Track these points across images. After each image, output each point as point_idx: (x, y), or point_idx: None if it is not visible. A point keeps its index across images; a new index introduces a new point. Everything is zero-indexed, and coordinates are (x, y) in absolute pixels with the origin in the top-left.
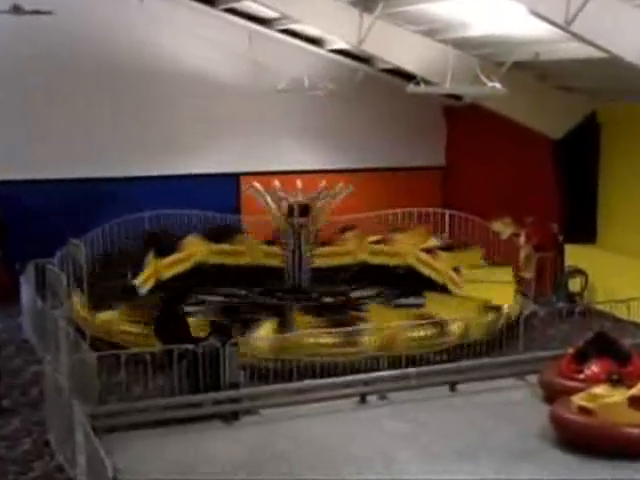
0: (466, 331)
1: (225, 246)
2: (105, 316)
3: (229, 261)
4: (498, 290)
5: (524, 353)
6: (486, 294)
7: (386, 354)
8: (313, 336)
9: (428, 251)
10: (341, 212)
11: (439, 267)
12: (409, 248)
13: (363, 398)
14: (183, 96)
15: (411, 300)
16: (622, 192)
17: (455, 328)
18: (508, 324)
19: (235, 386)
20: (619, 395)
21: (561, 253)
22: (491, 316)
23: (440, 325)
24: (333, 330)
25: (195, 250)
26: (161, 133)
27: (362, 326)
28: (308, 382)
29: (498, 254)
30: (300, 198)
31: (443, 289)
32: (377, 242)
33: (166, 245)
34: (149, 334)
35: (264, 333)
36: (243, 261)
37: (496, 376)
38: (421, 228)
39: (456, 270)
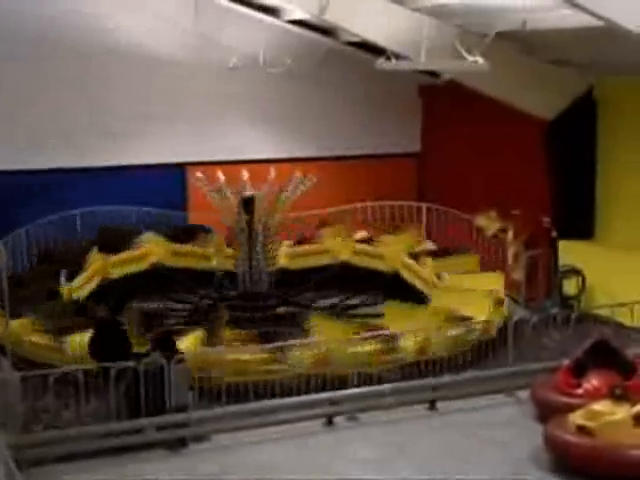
0: (424, 347)
1: (188, 247)
2: (15, 324)
3: (191, 264)
4: (475, 298)
5: (513, 365)
6: (458, 303)
7: (322, 372)
8: (234, 352)
9: (415, 256)
10: (302, 207)
11: (424, 274)
12: (396, 251)
13: (330, 420)
14: (119, 75)
15: (370, 310)
16: (623, 180)
17: (409, 343)
18: (487, 338)
19: (182, 409)
20: (623, 412)
21: (554, 250)
22: (458, 329)
23: (389, 340)
24: (255, 346)
25: (153, 249)
26: (92, 118)
27: (291, 341)
28: (266, 402)
29: (484, 254)
30: (249, 191)
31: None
32: (363, 241)
33: (120, 242)
34: (63, 347)
35: (186, 346)
36: (207, 265)
37: (481, 392)
38: (413, 229)
39: (438, 276)
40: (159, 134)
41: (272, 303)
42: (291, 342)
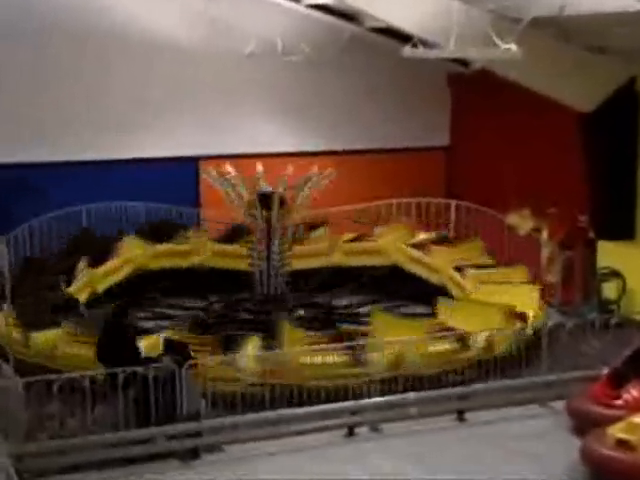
0: (491, 344)
1: (167, 247)
2: (44, 336)
3: (174, 264)
4: (518, 293)
5: (548, 374)
6: (505, 299)
7: (396, 374)
8: (311, 354)
9: (419, 246)
10: (319, 204)
11: (436, 265)
12: (394, 243)
13: (351, 430)
14: (127, 64)
15: (416, 309)
16: None
17: (479, 341)
18: (530, 338)
19: (195, 417)
20: None
21: (592, 252)
22: (518, 326)
23: (462, 338)
24: (335, 347)
25: (132, 254)
26: (100, 108)
27: (368, 341)
28: (283, 412)
29: (516, 254)
30: (265, 186)
31: (441, 292)
32: (354, 240)
33: (98, 250)
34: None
35: (250, 351)
36: (188, 264)
37: (513, 402)
38: (403, 220)
39: (460, 270)
40: (171, 126)
41: (305, 305)
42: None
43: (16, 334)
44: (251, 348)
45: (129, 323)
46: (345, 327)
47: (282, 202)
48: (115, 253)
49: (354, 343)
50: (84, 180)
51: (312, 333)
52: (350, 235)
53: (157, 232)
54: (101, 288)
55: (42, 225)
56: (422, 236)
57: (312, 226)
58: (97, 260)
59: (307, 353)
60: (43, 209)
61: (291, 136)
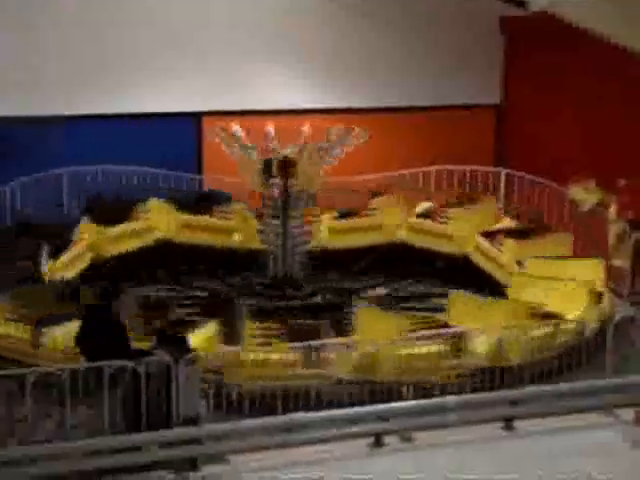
0: (499, 350)
1: (204, 219)
2: None
3: (207, 241)
4: (564, 291)
5: (613, 377)
6: (542, 296)
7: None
8: (256, 351)
9: (489, 235)
10: (348, 171)
11: (502, 260)
12: (466, 230)
13: (378, 440)
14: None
15: (430, 302)
16: None
17: (481, 345)
18: (580, 342)
19: (193, 421)
20: None
21: None
22: (543, 329)
23: (456, 340)
24: (286, 345)
25: (159, 222)
26: (87, 55)
27: (330, 339)
28: (298, 416)
29: (579, 235)
30: (281, 148)
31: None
32: (424, 216)
33: (117, 211)
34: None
35: (198, 340)
36: (228, 242)
37: (572, 409)
38: (489, 202)
39: (520, 263)
40: (169, 76)
41: (307, 291)
42: (330, 340)
43: None
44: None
45: (116, 308)
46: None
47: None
48: (135, 217)
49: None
50: (70, 138)
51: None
52: (422, 208)
53: (192, 203)
54: (110, 254)
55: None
56: (497, 224)
57: (373, 194)
58: (107, 222)
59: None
60: (18, 171)
61: (312, 90)
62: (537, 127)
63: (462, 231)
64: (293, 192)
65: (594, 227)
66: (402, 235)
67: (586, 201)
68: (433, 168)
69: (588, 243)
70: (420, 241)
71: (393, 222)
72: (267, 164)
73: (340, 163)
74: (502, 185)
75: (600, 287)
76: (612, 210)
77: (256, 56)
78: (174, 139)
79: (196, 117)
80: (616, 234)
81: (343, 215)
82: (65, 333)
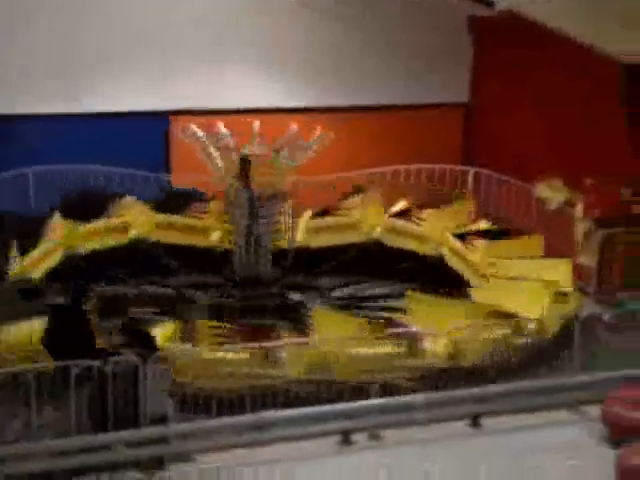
0: (458, 351)
1: (180, 218)
2: None
3: (182, 240)
4: (530, 291)
5: (580, 374)
6: (505, 296)
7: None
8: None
9: (461, 237)
10: (313, 171)
11: (473, 260)
12: (441, 230)
13: (346, 438)
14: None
15: (392, 302)
16: None
17: (436, 346)
18: (543, 342)
19: (160, 420)
20: None
21: (636, 230)
22: (500, 330)
23: (411, 341)
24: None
25: (134, 220)
26: (54, 54)
27: (284, 340)
28: (265, 415)
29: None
30: (259, 149)
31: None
32: (400, 214)
33: (91, 209)
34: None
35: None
36: (205, 241)
37: (538, 407)
38: (468, 201)
39: (492, 265)
40: (134, 72)
41: (272, 290)
42: (282, 340)
43: None
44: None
45: (84, 308)
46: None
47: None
48: (109, 215)
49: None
50: (37, 137)
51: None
52: (397, 206)
53: (167, 202)
54: (83, 250)
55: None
56: (479, 225)
57: (352, 192)
58: (79, 219)
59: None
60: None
61: (277, 89)
62: (505, 125)
63: (436, 231)
64: (259, 191)
65: (561, 225)
66: (378, 234)
67: (552, 199)
68: (402, 167)
69: (555, 241)
70: (394, 241)
71: (370, 221)
72: (244, 163)
73: (308, 162)
74: (470, 183)
75: (567, 286)
76: (578, 208)
77: (225, 55)
78: (142, 138)
79: (164, 116)
80: (583, 232)
81: (320, 214)
82: (23, 331)
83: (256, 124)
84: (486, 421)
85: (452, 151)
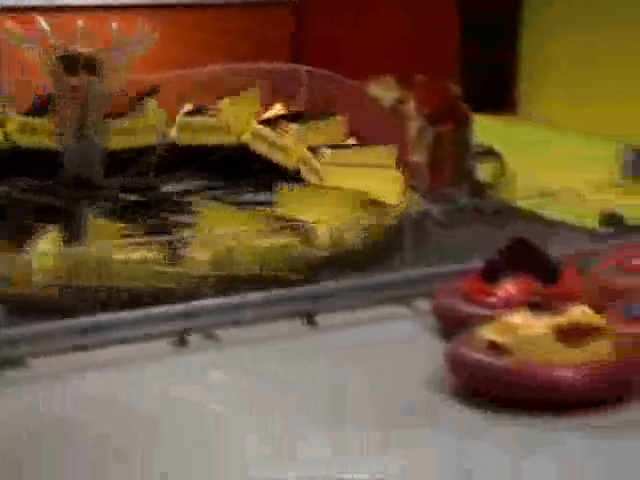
0: (339, 238)
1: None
2: None
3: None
4: (379, 179)
5: (410, 269)
6: (361, 184)
7: (222, 274)
8: (122, 250)
9: (270, 122)
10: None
11: (288, 145)
12: (242, 119)
13: (182, 339)
14: None
15: (259, 197)
16: (558, 37)
17: (324, 234)
18: (391, 230)
19: None
20: (543, 325)
21: (466, 128)
22: (373, 216)
23: (305, 231)
24: (148, 240)
25: None
26: None
27: (192, 234)
28: (100, 317)
29: (379, 131)
30: (81, 46)
31: (295, 179)
32: (193, 112)
33: None
34: None
35: (46, 247)
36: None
37: (371, 302)
38: (255, 90)
39: (313, 150)
40: None
41: (125, 191)
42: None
43: None
44: (47, 243)
45: None
46: (166, 217)
47: (92, 65)
48: None
49: (173, 237)
50: None
51: (126, 225)
52: (188, 107)
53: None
54: None
55: None
56: (273, 111)
57: (139, 96)
58: None
59: (114, 248)
60: None
61: None
62: (333, 22)
63: (234, 120)
64: (94, 91)
65: (394, 124)
66: (247, 139)
67: (385, 98)
68: (226, 67)
69: (392, 141)
70: (191, 138)
71: (238, 124)
72: (68, 61)
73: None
74: (303, 83)
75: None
76: (410, 106)
77: None
78: None
79: None
80: (414, 130)
81: (192, 112)
82: None
83: (80, 22)
84: (320, 319)
85: (280, 50)
